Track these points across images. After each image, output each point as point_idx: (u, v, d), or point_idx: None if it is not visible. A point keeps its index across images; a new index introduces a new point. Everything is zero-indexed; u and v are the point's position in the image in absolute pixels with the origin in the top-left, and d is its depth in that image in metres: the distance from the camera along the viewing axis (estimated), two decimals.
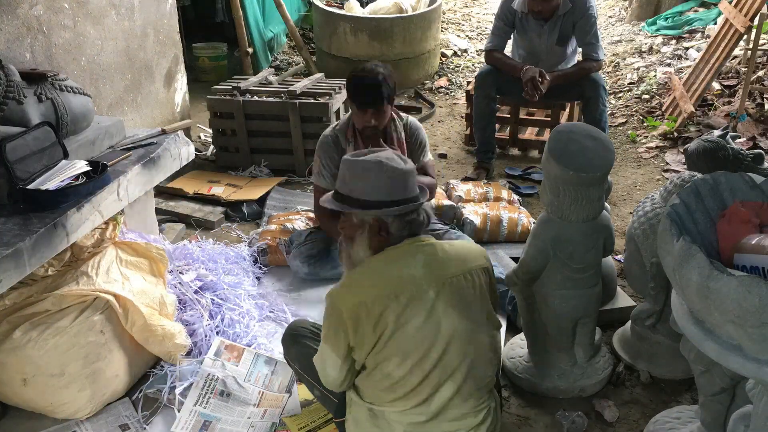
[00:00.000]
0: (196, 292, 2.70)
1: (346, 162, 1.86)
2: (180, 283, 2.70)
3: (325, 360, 1.85)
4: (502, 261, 3.17)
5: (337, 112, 4.18)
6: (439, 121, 5.19)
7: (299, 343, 2.11)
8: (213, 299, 2.68)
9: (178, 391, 2.31)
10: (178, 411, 2.28)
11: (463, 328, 1.79)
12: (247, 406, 2.32)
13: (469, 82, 4.83)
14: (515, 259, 3.14)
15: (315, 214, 3.19)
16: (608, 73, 5.94)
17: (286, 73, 5.81)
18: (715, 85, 4.95)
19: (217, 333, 2.56)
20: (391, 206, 1.79)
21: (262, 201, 3.81)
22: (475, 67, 6.32)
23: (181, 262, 2.87)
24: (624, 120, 5.03)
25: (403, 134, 3.01)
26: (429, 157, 3.13)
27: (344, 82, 4.31)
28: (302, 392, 2.39)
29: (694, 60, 5.21)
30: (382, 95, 2.78)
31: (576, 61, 4.08)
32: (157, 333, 2.37)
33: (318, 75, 4.65)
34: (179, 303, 2.64)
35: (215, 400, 2.29)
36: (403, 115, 3.08)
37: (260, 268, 3.14)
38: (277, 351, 2.49)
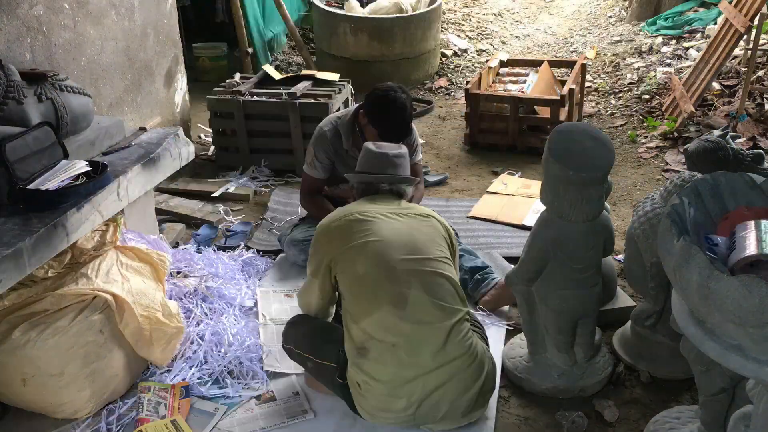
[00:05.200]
0: (188, 296, 2.69)
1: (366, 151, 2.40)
2: (176, 285, 2.70)
3: (309, 292, 2.29)
4: (497, 261, 3.18)
5: (337, 111, 4.18)
6: (439, 118, 5.19)
7: (294, 326, 2.37)
8: (206, 308, 2.66)
9: None
10: None
11: (418, 237, 2.19)
12: None
13: (468, 82, 4.83)
14: (510, 260, 3.15)
15: (301, 201, 3.29)
16: (608, 73, 5.94)
17: None
18: (715, 85, 4.95)
19: (201, 338, 2.56)
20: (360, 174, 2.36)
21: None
22: (475, 67, 6.32)
23: (180, 263, 2.86)
24: (624, 120, 5.03)
25: None
26: (419, 157, 3.21)
27: (343, 83, 4.36)
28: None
29: (694, 60, 5.21)
30: (410, 131, 2.92)
31: None
32: (146, 338, 2.36)
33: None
34: None
35: None
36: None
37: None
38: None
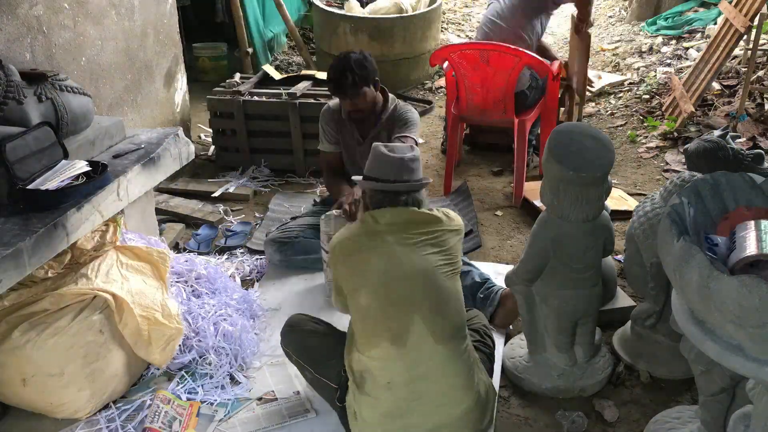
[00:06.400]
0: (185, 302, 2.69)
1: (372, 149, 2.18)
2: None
3: (335, 295, 2.18)
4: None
5: None
6: (439, 118, 5.19)
7: (294, 331, 2.32)
8: (201, 315, 2.64)
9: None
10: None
11: (423, 269, 2.02)
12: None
13: None
14: None
15: (322, 175, 3.39)
16: (608, 73, 5.93)
17: None
18: (715, 85, 4.95)
19: (189, 349, 2.55)
20: (371, 179, 2.10)
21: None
22: None
23: (181, 266, 2.86)
24: (624, 120, 5.03)
25: (385, 115, 3.09)
26: (413, 135, 3.05)
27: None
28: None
29: (694, 60, 5.21)
30: (350, 84, 2.90)
31: None
32: (145, 338, 2.36)
33: None
34: None
35: None
36: (391, 97, 3.13)
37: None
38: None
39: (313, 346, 2.26)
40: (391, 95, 3.13)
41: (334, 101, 3.16)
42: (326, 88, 4.22)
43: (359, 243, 2.07)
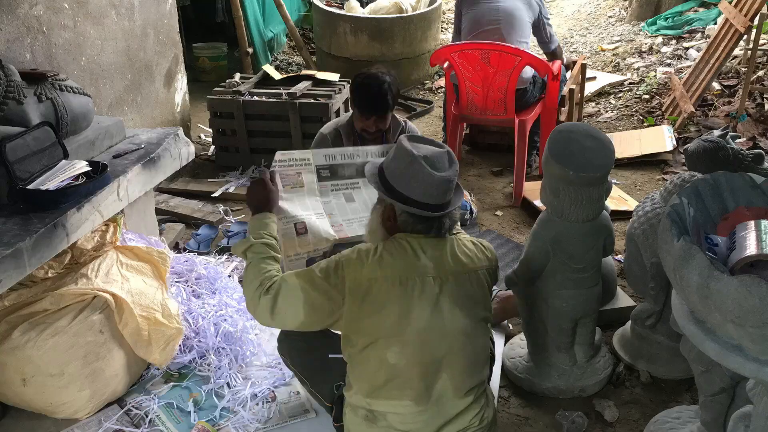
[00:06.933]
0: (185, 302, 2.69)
1: (401, 148, 1.81)
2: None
3: (286, 294, 1.74)
4: None
5: (337, 112, 4.18)
6: (439, 118, 5.19)
7: (290, 338, 2.19)
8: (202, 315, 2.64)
9: None
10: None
11: (465, 327, 1.82)
12: None
13: None
14: None
15: None
16: (608, 73, 5.94)
17: None
18: (715, 85, 4.96)
19: (189, 349, 2.54)
20: (412, 204, 1.77)
21: None
22: None
23: (181, 266, 2.86)
24: (624, 120, 5.03)
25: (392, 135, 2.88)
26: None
27: (343, 83, 4.37)
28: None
29: (694, 60, 5.22)
30: (387, 104, 2.73)
31: None
32: (145, 338, 2.36)
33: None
34: None
35: None
36: (401, 119, 2.96)
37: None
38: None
39: (306, 355, 2.14)
40: (401, 118, 2.92)
41: (331, 129, 2.88)
42: (326, 88, 4.25)
43: (397, 282, 1.74)
